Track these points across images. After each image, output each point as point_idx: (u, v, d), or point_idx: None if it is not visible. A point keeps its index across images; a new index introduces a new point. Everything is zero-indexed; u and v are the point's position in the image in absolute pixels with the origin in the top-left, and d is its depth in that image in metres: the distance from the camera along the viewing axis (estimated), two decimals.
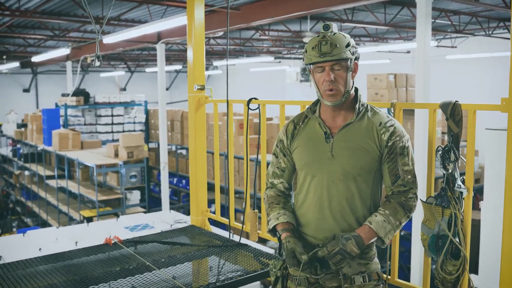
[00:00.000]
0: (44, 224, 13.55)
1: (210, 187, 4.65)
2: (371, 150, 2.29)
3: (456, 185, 2.45)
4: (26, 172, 15.63)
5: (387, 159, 2.30)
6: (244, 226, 3.76)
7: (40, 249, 5.98)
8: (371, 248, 2.39)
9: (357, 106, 2.35)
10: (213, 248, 3.64)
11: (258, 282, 7.62)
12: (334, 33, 2.28)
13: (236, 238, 3.81)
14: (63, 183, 12.82)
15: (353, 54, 2.28)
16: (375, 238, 2.26)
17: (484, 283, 5.06)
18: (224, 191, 10.85)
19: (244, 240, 3.75)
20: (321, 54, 2.23)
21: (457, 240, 2.39)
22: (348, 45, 2.26)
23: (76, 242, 6.12)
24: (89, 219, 10.88)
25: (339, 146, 2.32)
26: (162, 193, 11.31)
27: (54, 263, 3.36)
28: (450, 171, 2.46)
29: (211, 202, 5.32)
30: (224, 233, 4.04)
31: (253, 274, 3.18)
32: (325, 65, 2.25)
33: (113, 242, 3.69)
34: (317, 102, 2.45)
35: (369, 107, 2.39)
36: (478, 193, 10.43)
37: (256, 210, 3.70)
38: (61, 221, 12.84)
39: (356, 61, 2.32)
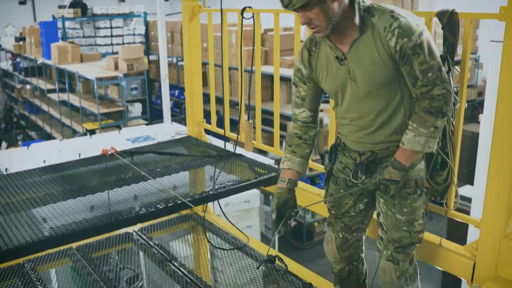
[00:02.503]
0: (49, 137, 13.69)
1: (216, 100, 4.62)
2: (385, 61, 2.15)
3: None
4: (28, 86, 15.61)
5: (401, 62, 2.13)
6: (239, 136, 3.78)
7: (44, 161, 6.10)
8: None
9: (355, 19, 2.15)
10: (209, 158, 3.68)
11: (258, 191, 7.80)
12: None
13: (231, 148, 3.84)
14: (64, 96, 12.83)
15: None
16: (417, 154, 2.22)
17: (479, 193, 5.16)
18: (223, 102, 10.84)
19: (239, 150, 3.78)
20: (285, 6, 2.09)
21: (446, 151, 2.39)
22: None
23: (80, 154, 6.23)
24: (92, 132, 11.00)
25: (354, 67, 2.22)
26: (163, 105, 11.29)
27: (52, 174, 3.42)
28: None
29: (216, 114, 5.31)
30: (221, 144, 4.07)
31: (247, 183, 3.22)
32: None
33: (109, 153, 3.72)
34: None
35: (372, 10, 2.18)
36: (480, 106, 10.38)
37: (250, 121, 3.71)
38: (65, 134, 12.97)
39: None
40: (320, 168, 3.44)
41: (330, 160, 2.55)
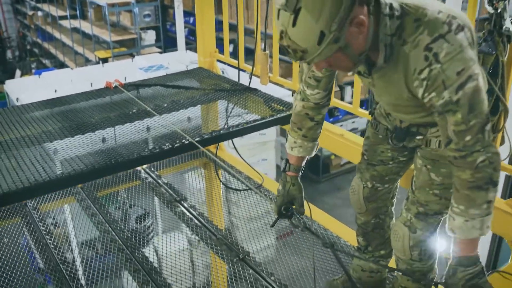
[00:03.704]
0: (62, 65, 13.39)
1: (232, 28, 4.24)
2: (414, 100, 1.72)
3: (504, 27, 2.03)
4: (39, 13, 15.16)
5: (433, 111, 1.65)
6: (254, 68, 3.44)
7: (55, 90, 5.87)
8: None
9: (380, 55, 1.66)
10: (221, 92, 3.37)
11: (274, 128, 7.49)
12: (294, 23, 1.48)
13: (245, 81, 3.52)
14: (76, 23, 12.43)
15: (337, 41, 1.50)
16: (478, 240, 1.72)
17: None
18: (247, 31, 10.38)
19: (254, 84, 3.45)
20: (293, 59, 1.61)
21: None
22: (322, 37, 1.48)
23: (91, 84, 5.98)
24: (105, 60, 10.68)
25: (380, 87, 1.83)
26: (177, 33, 10.86)
27: (51, 109, 3.15)
28: (499, 11, 2.03)
29: (232, 42, 4.97)
30: (234, 76, 3.74)
31: (263, 121, 2.93)
32: None
33: (113, 85, 3.43)
34: None
35: (404, 35, 1.61)
36: None
37: (267, 52, 3.35)
38: (78, 62, 12.66)
39: (354, 28, 1.53)
40: (338, 104, 3.13)
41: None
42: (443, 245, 2.07)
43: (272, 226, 2.22)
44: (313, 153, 2.18)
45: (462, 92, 1.53)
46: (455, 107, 1.55)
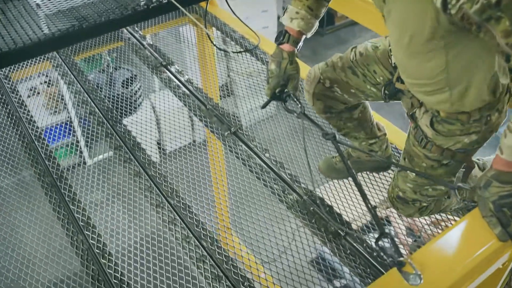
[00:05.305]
0: None
1: None
2: (430, 12, 1.25)
3: None
4: None
5: (472, 29, 1.22)
6: None
7: None
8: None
9: None
10: None
11: None
12: None
13: None
14: None
15: None
16: None
17: None
18: None
19: None
20: None
21: None
22: None
23: None
24: None
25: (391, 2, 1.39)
26: None
27: None
28: None
29: None
30: None
31: None
32: None
33: None
34: None
35: None
36: None
37: None
38: None
39: None
40: None
41: None
42: None
43: (263, 108, 1.91)
44: (310, 34, 1.82)
45: None
46: (496, 11, 1.09)
